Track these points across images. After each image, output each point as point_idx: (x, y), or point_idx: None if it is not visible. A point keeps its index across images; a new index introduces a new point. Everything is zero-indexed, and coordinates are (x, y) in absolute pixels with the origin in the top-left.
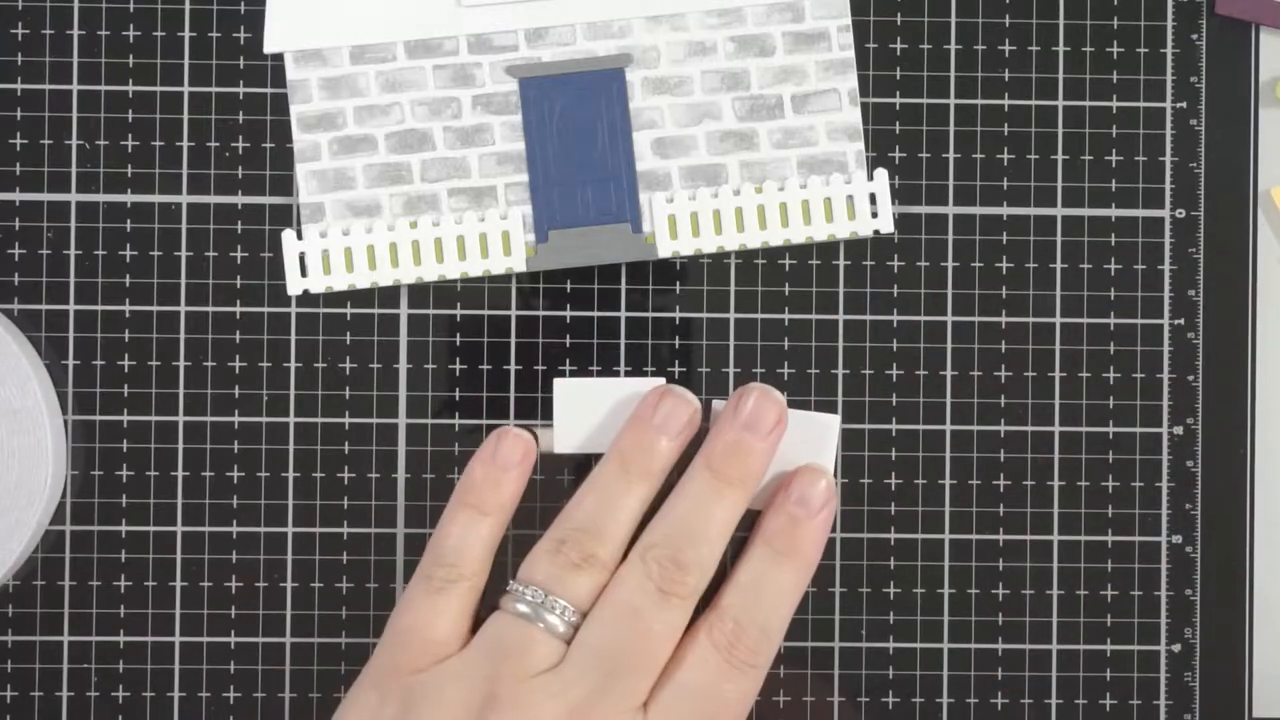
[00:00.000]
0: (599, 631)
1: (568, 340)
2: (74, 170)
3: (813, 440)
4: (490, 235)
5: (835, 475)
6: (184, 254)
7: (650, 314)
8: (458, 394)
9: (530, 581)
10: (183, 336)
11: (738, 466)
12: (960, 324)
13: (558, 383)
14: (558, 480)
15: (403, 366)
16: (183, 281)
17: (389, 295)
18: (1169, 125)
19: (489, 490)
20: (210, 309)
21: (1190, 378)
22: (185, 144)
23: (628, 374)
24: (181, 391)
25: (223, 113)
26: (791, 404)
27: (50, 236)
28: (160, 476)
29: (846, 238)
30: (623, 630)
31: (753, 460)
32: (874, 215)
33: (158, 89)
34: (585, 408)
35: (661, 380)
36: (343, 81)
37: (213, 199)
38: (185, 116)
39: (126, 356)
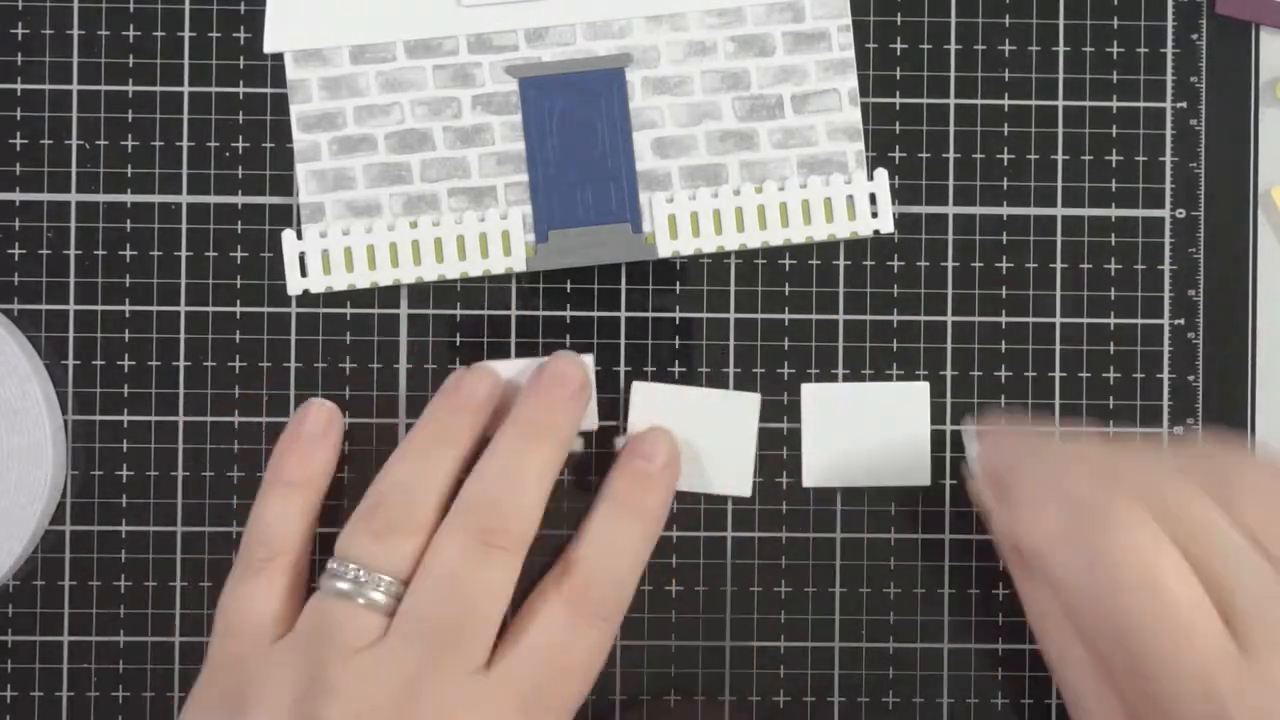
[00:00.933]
0: (421, 598)
1: (568, 340)
2: (74, 170)
3: (735, 419)
4: (490, 235)
5: (756, 452)
6: (184, 254)
7: (650, 314)
8: None
9: (346, 557)
10: (183, 336)
11: (545, 418)
12: (960, 324)
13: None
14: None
15: (403, 366)
16: (183, 281)
17: (389, 295)
18: (1169, 125)
19: (298, 464)
20: (210, 309)
21: (1190, 378)
22: (185, 144)
23: (627, 374)
24: (181, 391)
25: (223, 113)
26: (791, 403)
27: (50, 236)
28: (160, 476)
29: (846, 238)
30: (446, 593)
31: (559, 413)
32: (874, 215)
33: (158, 89)
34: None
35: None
36: (343, 81)
37: (213, 199)
38: (185, 116)
39: (126, 356)
